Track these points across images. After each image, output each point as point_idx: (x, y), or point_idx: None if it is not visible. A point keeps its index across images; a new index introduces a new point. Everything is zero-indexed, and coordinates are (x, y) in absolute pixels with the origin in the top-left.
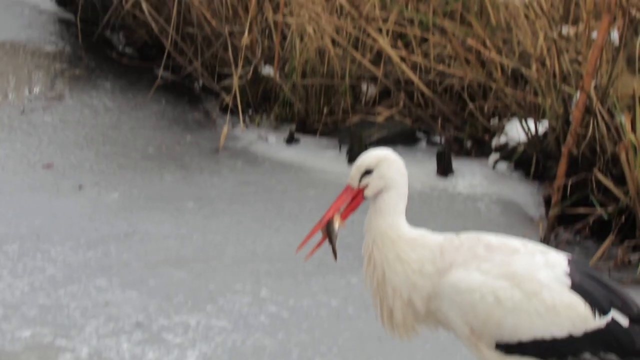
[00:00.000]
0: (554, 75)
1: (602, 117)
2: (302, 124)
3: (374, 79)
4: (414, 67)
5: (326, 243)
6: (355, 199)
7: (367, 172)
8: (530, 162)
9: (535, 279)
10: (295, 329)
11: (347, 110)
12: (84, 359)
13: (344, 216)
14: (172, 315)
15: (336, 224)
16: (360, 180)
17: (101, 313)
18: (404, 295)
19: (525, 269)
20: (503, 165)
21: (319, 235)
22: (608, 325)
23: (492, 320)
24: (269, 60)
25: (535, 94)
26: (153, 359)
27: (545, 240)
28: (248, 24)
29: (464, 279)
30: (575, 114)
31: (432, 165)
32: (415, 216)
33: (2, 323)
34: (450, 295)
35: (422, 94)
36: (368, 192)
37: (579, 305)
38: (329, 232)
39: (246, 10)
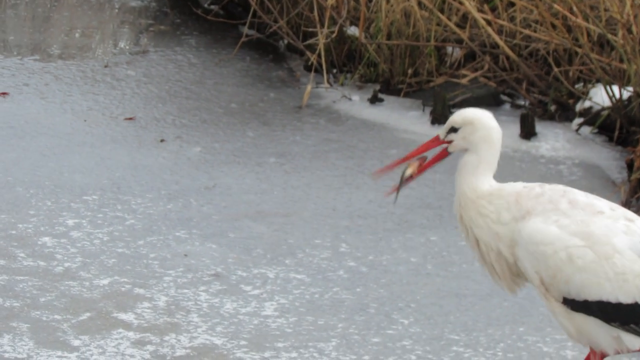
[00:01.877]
0: None
1: None
2: (386, 84)
3: (459, 42)
4: (499, 31)
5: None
6: (442, 151)
7: (453, 130)
8: (613, 127)
9: (610, 243)
10: (374, 284)
11: (432, 72)
12: (162, 307)
13: (422, 169)
14: (250, 267)
15: (409, 170)
16: (446, 135)
17: (180, 264)
18: (493, 246)
19: (602, 232)
20: (586, 130)
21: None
22: None
23: (561, 275)
24: (354, 21)
25: (621, 60)
26: (231, 309)
27: (627, 204)
28: None
29: (541, 230)
30: None
31: (515, 127)
32: (497, 177)
33: (80, 271)
34: (526, 243)
35: (507, 58)
36: (450, 149)
37: None
38: (402, 173)
39: None
